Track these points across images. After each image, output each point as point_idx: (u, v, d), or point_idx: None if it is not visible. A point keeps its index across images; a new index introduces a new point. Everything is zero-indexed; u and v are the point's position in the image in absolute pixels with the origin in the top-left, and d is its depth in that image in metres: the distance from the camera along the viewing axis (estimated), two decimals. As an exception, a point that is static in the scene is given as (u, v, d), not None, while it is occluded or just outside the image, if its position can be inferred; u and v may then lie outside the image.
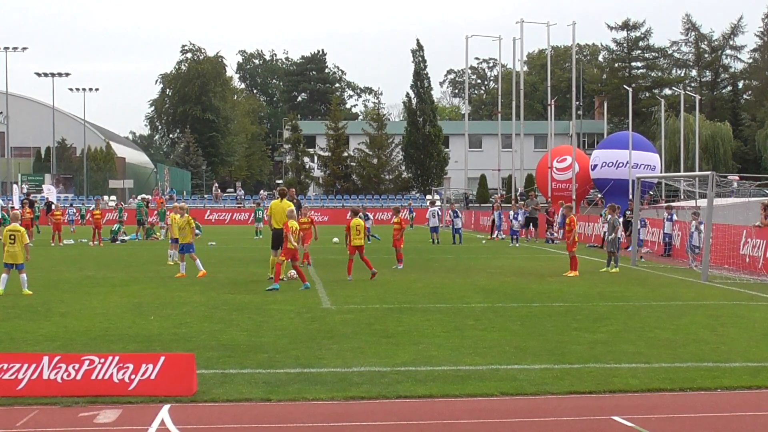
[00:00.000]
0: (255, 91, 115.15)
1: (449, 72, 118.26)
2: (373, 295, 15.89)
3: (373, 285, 17.52)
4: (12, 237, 15.84)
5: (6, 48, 66.57)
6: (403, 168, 70.56)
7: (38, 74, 71.32)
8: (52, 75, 70.37)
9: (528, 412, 7.76)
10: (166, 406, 7.81)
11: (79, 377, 8.17)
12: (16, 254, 15.78)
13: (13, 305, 14.32)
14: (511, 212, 32.97)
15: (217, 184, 72.61)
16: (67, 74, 71.47)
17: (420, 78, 69.28)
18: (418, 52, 69.76)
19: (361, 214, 19.70)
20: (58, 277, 19.28)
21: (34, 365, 8.18)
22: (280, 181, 75.23)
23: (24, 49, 67.33)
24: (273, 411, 7.78)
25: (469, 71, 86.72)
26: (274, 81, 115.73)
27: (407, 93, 69.77)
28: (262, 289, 16.65)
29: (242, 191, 70.41)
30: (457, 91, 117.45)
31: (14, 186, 56.60)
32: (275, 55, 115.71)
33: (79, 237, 36.10)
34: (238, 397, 8.16)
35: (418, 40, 71.85)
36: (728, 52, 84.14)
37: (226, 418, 7.56)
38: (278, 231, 18.16)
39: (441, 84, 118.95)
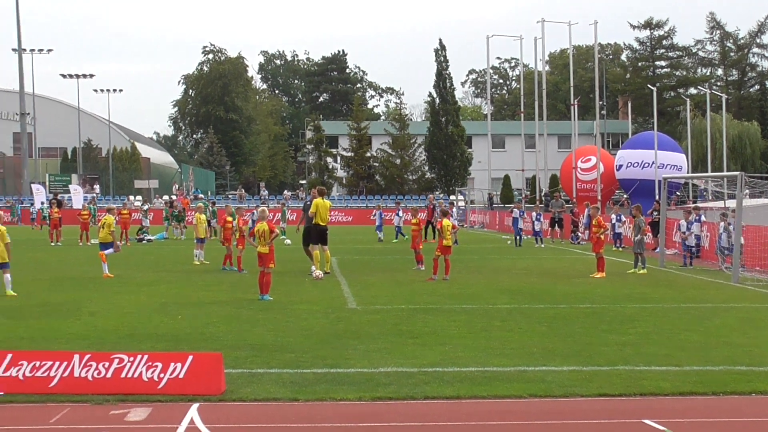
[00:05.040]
0: (277, 92, 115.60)
1: (471, 72, 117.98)
2: (398, 295, 15.87)
3: (398, 286, 17.51)
4: None
5: (32, 50, 67.44)
6: (426, 168, 70.39)
7: (63, 75, 72.19)
8: (77, 76, 71.19)
9: (557, 414, 7.70)
10: (195, 405, 7.85)
11: (109, 375, 8.25)
12: None
13: (44, 304, 14.50)
14: (534, 213, 32.79)
15: (241, 186, 73.03)
16: (91, 75, 72.34)
17: (442, 78, 68.93)
18: (441, 52, 69.30)
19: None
20: (86, 276, 19.48)
21: (65, 363, 8.27)
22: (304, 182, 75.46)
23: (49, 50, 68.21)
24: (301, 411, 7.79)
25: (491, 71, 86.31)
26: (295, 81, 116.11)
27: (430, 93, 69.61)
28: (288, 289, 16.70)
29: (266, 191, 70.67)
30: (479, 91, 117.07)
31: (32, 186, 56.96)
32: (296, 55, 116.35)
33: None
34: (266, 396, 8.18)
35: (440, 39, 71.03)
36: (755, 50, 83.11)
37: (254, 418, 7.58)
38: (319, 227, 19.06)
39: (462, 84, 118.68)
